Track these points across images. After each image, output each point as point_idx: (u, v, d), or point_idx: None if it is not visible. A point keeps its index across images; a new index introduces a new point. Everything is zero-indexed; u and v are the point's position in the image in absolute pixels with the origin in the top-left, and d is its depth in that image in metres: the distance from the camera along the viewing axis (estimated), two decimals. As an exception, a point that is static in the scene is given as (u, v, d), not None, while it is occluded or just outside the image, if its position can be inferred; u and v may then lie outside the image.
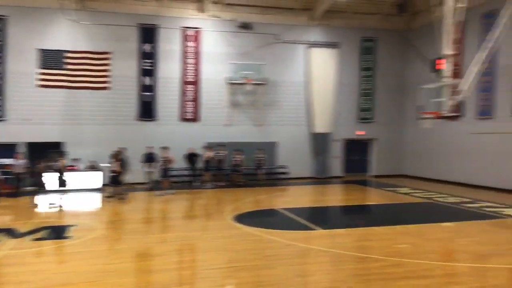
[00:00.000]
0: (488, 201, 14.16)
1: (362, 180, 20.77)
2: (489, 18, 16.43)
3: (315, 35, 21.10)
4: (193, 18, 19.52)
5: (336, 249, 8.51)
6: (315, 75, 20.96)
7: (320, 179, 20.82)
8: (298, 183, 19.36)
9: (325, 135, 21.21)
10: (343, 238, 9.66)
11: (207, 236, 9.77)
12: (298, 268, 7.57)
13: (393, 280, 6.68)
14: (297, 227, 10.65)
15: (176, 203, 14.46)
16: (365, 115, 22.06)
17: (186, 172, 18.22)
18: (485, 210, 12.69)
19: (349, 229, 10.48)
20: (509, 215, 11.94)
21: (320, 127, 21.10)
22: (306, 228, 10.58)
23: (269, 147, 20.15)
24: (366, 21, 21.63)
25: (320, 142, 21.15)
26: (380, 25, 21.78)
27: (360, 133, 22.02)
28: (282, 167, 20.46)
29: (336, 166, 21.67)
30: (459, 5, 13.03)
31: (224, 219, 11.33)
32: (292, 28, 20.68)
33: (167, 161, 15.94)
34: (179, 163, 17.73)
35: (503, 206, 13.30)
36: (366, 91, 22.03)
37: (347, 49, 21.49)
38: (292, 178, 20.29)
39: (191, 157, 18.00)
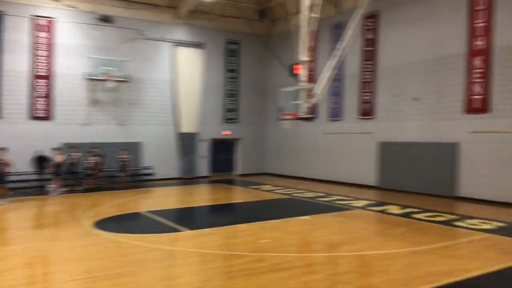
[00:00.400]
0: (339, 195, 15.66)
1: (228, 179, 21.25)
2: (338, 29, 18.22)
3: (181, 33, 20.92)
4: (45, 6, 17.71)
5: (202, 249, 8.50)
6: (181, 74, 20.79)
7: (187, 179, 20.72)
8: (165, 184, 18.97)
9: (192, 135, 21.18)
10: (209, 237, 9.69)
11: (61, 246, 8.90)
12: (164, 272, 7.35)
13: (257, 274, 6.90)
14: (163, 230, 10.37)
15: (24, 212, 12.90)
16: (230, 115, 22.62)
17: (35, 177, 16.50)
18: (336, 203, 13.99)
19: (216, 228, 10.57)
20: (356, 207, 13.35)
21: (187, 127, 20.99)
22: (173, 230, 10.37)
23: (133, 148, 19.35)
24: (230, 24, 22.19)
25: (186, 142, 21.04)
26: (243, 29, 22.55)
27: (226, 133, 22.51)
28: (147, 168, 19.82)
29: (203, 166, 21.81)
30: (313, 15, 14.08)
31: (81, 226, 10.46)
32: (157, 25, 20.18)
33: (4, 164, 14.02)
34: (29, 167, 15.97)
35: (352, 199, 14.84)
36: (232, 92, 22.61)
37: (213, 50, 21.78)
38: (158, 179, 19.80)
39: (40, 161, 16.31)
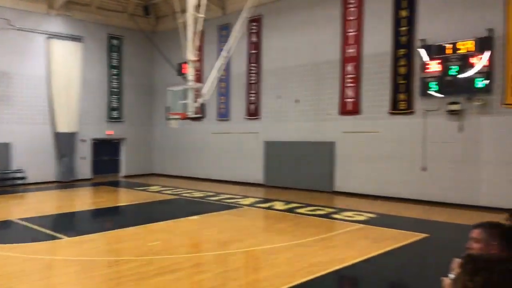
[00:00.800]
0: (228, 194, 15.92)
1: (113, 181, 20.24)
2: (224, 30, 18.51)
3: (56, 25, 19.33)
4: None
5: (85, 257, 7.98)
6: (57, 69, 19.19)
7: (66, 182, 19.23)
8: (39, 189, 17.37)
9: (71, 135, 19.69)
10: (92, 243, 9.14)
11: None
12: (42, 283, 6.74)
13: (145, 279, 6.71)
14: (39, 238, 9.49)
15: None
16: (114, 114, 21.56)
17: None
18: (225, 202, 14.20)
19: (99, 233, 10.02)
20: (244, 205, 13.70)
21: (64, 126, 19.45)
22: (50, 238, 9.56)
23: (0, 149, 17.37)
24: (112, 18, 21.15)
25: (64, 142, 19.49)
26: (126, 24, 21.65)
27: (109, 132, 21.40)
28: (17, 171, 17.95)
29: (84, 167, 20.45)
30: (199, 15, 14.13)
31: None
32: (28, 15, 18.37)
33: None
34: None
35: (240, 197, 15.19)
36: (115, 89, 21.57)
37: (94, 45, 20.53)
38: (31, 183, 18.08)
39: None
